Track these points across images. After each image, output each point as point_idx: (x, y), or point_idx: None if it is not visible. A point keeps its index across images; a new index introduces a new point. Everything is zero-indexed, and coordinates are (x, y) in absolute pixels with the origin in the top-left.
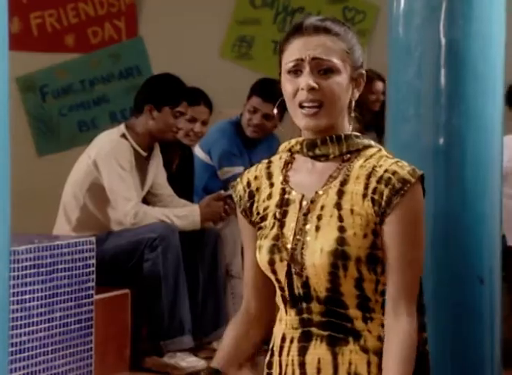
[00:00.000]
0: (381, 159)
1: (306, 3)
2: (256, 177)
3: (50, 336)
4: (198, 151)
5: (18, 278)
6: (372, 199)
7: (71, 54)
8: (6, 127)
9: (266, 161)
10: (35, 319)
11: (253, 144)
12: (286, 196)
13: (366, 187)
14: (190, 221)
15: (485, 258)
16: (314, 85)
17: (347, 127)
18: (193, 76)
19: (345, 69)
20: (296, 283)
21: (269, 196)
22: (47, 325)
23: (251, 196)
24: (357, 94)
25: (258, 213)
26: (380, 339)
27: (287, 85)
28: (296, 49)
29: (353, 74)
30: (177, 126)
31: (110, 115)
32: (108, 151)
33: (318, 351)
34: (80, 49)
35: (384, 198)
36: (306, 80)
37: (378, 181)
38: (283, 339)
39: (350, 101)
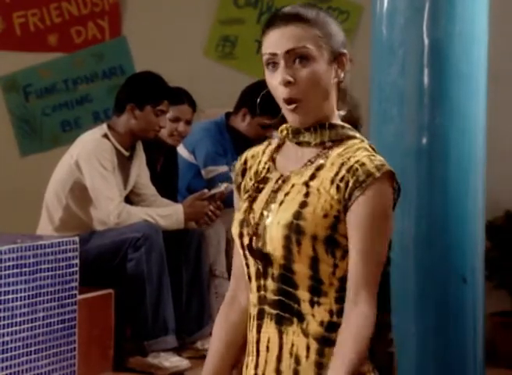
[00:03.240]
0: (358, 150)
1: (290, 3)
2: (253, 156)
3: (33, 336)
4: (182, 151)
5: (1, 278)
6: (338, 187)
7: (54, 53)
8: None
9: (267, 142)
10: (18, 320)
11: (240, 144)
12: (267, 175)
13: (336, 174)
14: (173, 220)
15: (468, 257)
16: (290, 79)
17: (335, 113)
18: (177, 75)
19: (321, 54)
20: (257, 258)
21: (256, 173)
22: (30, 325)
23: (243, 173)
24: (342, 75)
25: (246, 191)
26: (322, 325)
27: (268, 80)
28: (270, 43)
29: (332, 56)
30: (159, 124)
31: (93, 115)
32: (89, 151)
33: (268, 329)
34: (64, 49)
35: (348, 188)
36: (281, 74)
37: (348, 170)
38: (249, 317)
39: (338, 84)
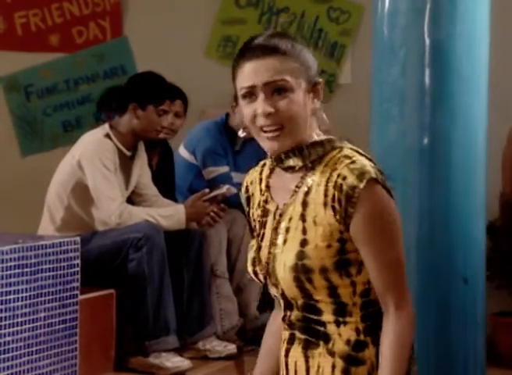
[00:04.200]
0: (338, 162)
1: (291, 3)
2: (252, 182)
3: (34, 336)
4: (183, 151)
5: (2, 278)
6: (333, 208)
7: (55, 53)
8: None
9: (262, 163)
10: (19, 320)
11: (239, 143)
12: (267, 206)
13: (326, 194)
14: (175, 221)
15: (470, 258)
16: (271, 110)
17: (313, 135)
18: (178, 75)
19: (298, 85)
20: (276, 293)
21: (259, 204)
22: (31, 325)
23: (248, 202)
24: (318, 104)
25: (254, 220)
26: (349, 343)
27: (245, 110)
28: (247, 75)
29: (309, 86)
30: (161, 124)
31: (94, 115)
32: (92, 151)
33: (296, 353)
34: (65, 49)
35: (342, 207)
36: (262, 106)
37: (334, 187)
38: (281, 340)
39: (314, 111)
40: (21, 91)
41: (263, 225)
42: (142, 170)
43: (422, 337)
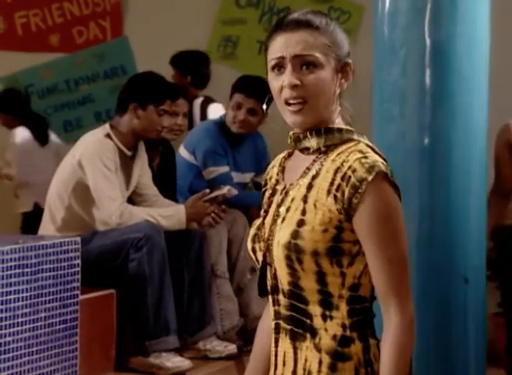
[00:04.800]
0: (350, 154)
1: (291, 3)
2: (273, 166)
3: (35, 336)
4: (183, 151)
5: (3, 278)
6: (335, 197)
7: (56, 54)
8: None
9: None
10: (20, 320)
11: (238, 143)
12: (276, 186)
13: (332, 182)
14: (175, 221)
15: (470, 257)
16: (297, 82)
17: (335, 120)
18: None
19: (328, 62)
20: (269, 273)
21: (271, 185)
22: (32, 325)
23: (265, 185)
24: (345, 85)
25: (264, 202)
26: (335, 339)
27: (273, 82)
28: (278, 47)
29: (338, 66)
30: (162, 124)
31: (95, 114)
32: (92, 151)
33: (284, 344)
34: (65, 49)
35: (345, 198)
36: (288, 77)
37: (342, 178)
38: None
39: (340, 93)
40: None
41: (270, 204)
42: (142, 170)
43: (422, 337)
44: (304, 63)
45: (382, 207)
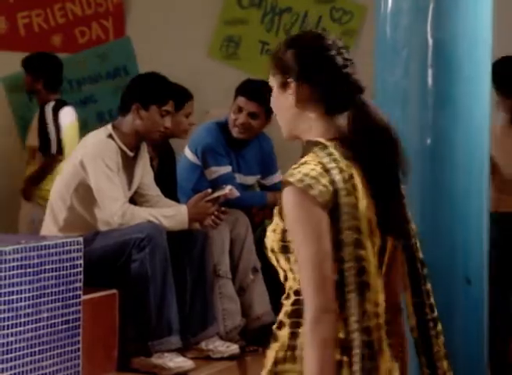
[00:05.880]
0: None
1: (293, 3)
2: None
3: (37, 336)
4: (187, 152)
5: (5, 278)
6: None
7: (58, 54)
8: None
9: None
10: (22, 320)
11: (241, 145)
12: None
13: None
14: (177, 221)
15: (473, 258)
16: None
17: (312, 133)
18: (181, 76)
19: (274, 81)
20: None
21: None
22: (34, 325)
23: None
24: (290, 99)
25: None
26: (278, 322)
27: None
28: None
29: (281, 83)
30: (164, 125)
31: (97, 115)
32: (94, 152)
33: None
34: (68, 49)
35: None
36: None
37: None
38: None
39: (294, 105)
40: (23, 92)
41: None
42: (144, 171)
43: None
44: None
45: (290, 213)
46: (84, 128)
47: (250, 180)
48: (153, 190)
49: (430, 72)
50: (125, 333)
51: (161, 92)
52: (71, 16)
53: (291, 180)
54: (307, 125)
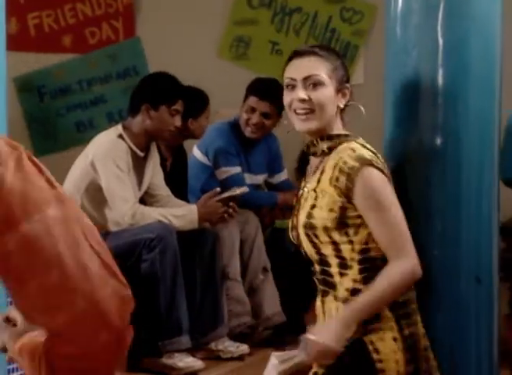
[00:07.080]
0: (343, 151)
1: (303, 3)
2: None
3: None
4: (196, 152)
5: None
6: (335, 186)
7: (68, 54)
8: (4, 128)
9: None
10: None
11: (250, 145)
12: (301, 185)
13: (332, 175)
14: (187, 221)
15: (483, 257)
16: (305, 97)
17: (335, 128)
18: (191, 76)
19: (331, 82)
20: (303, 251)
21: None
22: None
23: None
24: (342, 102)
25: None
26: (348, 290)
27: (285, 97)
28: (291, 70)
29: (338, 87)
30: (174, 124)
31: (108, 115)
32: (105, 152)
33: (318, 302)
34: (78, 50)
35: (343, 184)
36: (298, 93)
37: (339, 170)
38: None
39: (339, 108)
40: (34, 92)
41: (297, 200)
42: (155, 171)
43: (434, 337)
44: (311, 83)
45: (370, 186)
46: (94, 128)
47: (260, 178)
48: (163, 190)
49: (441, 72)
50: (135, 334)
51: (170, 92)
52: (81, 16)
53: (367, 158)
54: (335, 120)
